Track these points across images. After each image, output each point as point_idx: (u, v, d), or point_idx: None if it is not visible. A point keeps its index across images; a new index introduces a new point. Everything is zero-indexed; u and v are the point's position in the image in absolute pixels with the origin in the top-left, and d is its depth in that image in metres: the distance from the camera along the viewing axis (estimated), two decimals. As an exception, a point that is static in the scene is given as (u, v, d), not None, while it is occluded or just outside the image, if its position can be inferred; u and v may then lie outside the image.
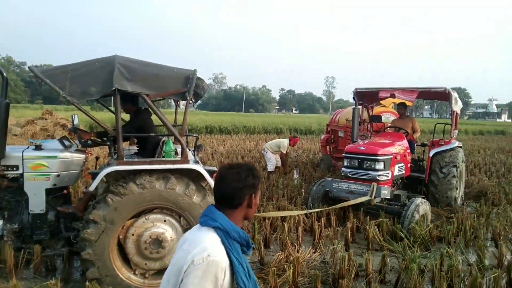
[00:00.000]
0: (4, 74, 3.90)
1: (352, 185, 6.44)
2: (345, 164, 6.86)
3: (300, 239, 5.51)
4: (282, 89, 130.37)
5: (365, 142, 7.15)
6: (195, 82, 4.03)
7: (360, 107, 8.25)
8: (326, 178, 7.00)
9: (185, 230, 4.07)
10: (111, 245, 3.78)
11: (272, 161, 10.44)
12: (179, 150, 4.86)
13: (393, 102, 11.30)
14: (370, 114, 8.97)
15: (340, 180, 6.73)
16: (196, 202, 3.92)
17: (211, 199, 4.05)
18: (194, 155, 4.70)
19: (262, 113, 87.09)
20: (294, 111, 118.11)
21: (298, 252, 4.77)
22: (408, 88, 7.26)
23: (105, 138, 4.71)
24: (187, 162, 3.98)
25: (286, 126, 29.25)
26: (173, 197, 3.85)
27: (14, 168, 4.07)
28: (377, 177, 6.39)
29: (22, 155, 4.08)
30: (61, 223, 4.32)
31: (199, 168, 4.00)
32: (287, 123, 30.89)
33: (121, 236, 3.90)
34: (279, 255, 4.72)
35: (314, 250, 5.08)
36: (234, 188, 1.64)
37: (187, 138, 5.69)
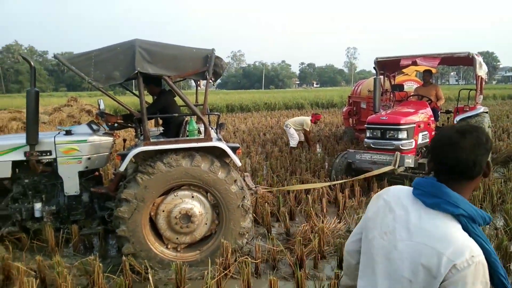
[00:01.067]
0: (32, 63, 4.05)
1: (375, 156, 6.45)
2: (368, 135, 6.86)
3: (325, 210, 5.61)
4: (302, 63, 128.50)
5: (387, 112, 7.09)
6: (213, 61, 4.09)
7: (381, 76, 8.13)
8: (348, 150, 7.03)
9: (212, 205, 4.23)
10: (143, 222, 3.99)
11: (295, 137, 10.38)
12: (202, 129, 4.99)
13: (416, 70, 11.07)
14: (392, 83, 8.84)
15: (363, 151, 6.74)
16: (221, 177, 4.06)
17: (235, 175, 4.18)
18: (216, 133, 4.82)
19: (282, 89, 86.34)
20: (315, 85, 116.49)
21: (323, 222, 4.88)
22: (430, 55, 7.10)
23: (130, 121, 4.88)
24: (210, 140, 4.09)
25: (307, 100, 29.03)
26: (199, 174, 4.00)
27: (48, 153, 4.29)
28: (401, 147, 6.37)
29: (54, 141, 4.28)
30: (95, 204, 4.56)
31: (222, 145, 4.11)
32: (308, 97, 30.64)
33: (152, 213, 4.10)
34: (304, 226, 4.84)
35: (338, 221, 5.19)
36: (476, 154, 1.34)
37: (209, 117, 5.79)
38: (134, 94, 5.81)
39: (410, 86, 10.66)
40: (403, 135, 6.42)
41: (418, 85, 9.09)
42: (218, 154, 4.23)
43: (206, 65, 4.08)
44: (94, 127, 4.82)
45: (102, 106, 5.05)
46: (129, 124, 4.95)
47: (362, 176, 6.29)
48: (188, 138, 4.24)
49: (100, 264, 3.64)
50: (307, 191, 6.31)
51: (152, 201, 4.02)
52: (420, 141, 6.74)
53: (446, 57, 7.21)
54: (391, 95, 8.54)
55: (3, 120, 15.85)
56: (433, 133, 7.24)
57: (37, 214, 4.35)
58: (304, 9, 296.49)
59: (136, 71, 3.81)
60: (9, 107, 20.51)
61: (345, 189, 6.23)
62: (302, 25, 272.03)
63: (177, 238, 4.16)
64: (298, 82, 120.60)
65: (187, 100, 4.12)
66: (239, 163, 4.20)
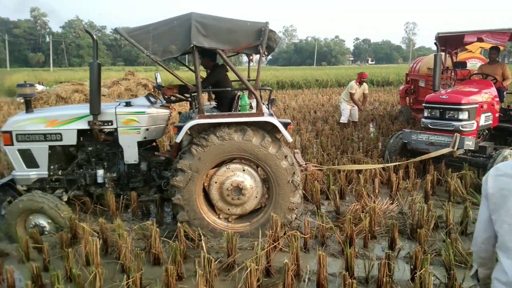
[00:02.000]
0: (94, 37, 4.23)
1: (433, 137, 6.17)
2: (426, 114, 6.55)
3: (377, 191, 5.50)
4: (357, 39, 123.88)
5: (448, 90, 6.72)
6: (267, 35, 4.05)
7: (442, 53, 7.67)
8: (404, 130, 6.77)
9: (263, 179, 4.29)
10: (197, 191, 4.14)
11: (345, 112, 10.09)
12: (254, 104, 5.01)
13: (480, 47, 10.32)
14: (454, 61, 8.32)
15: (420, 132, 6.47)
16: (272, 153, 4.09)
17: (286, 150, 4.19)
18: (268, 109, 4.83)
19: (335, 65, 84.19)
20: (370, 62, 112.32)
21: (374, 202, 4.80)
22: (498, 30, 6.55)
23: (185, 94, 5.00)
24: (262, 115, 4.11)
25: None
26: (250, 148, 4.05)
27: (109, 123, 4.52)
28: (461, 128, 6.04)
29: (115, 111, 4.49)
30: (153, 172, 4.78)
31: (274, 120, 4.12)
32: (362, 75, 29.62)
33: (205, 184, 4.23)
34: (355, 205, 4.79)
35: (391, 202, 5.08)
36: None
37: (260, 92, 5.79)
38: (189, 69, 5.93)
39: (474, 64, 9.98)
40: (464, 115, 6.07)
41: (483, 63, 8.49)
42: (269, 129, 4.25)
43: (260, 39, 4.05)
44: (152, 99, 4.99)
45: (159, 80, 5.20)
46: (184, 97, 5.08)
47: (418, 158, 6.06)
48: (240, 112, 4.28)
49: (157, 229, 3.85)
50: (359, 171, 6.20)
51: (206, 172, 4.15)
52: (482, 122, 6.35)
53: None
54: (453, 73, 8.06)
55: (67, 92, 16.79)
56: (497, 114, 6.79)
57: (99, 180, 4.64)
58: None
59: (192, 45, 3.86)
60: (72, 79, 21.69)
61: (399, 170, 6.05)
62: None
63: (228, 209, 4.29)
64: (352, 59, 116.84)
65: (240, 74, 4.14)
66: (290, 139, 4.20)
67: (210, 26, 4.01)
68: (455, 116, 6.12)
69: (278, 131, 4.21)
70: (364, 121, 11.44)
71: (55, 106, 13.97)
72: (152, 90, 5.24)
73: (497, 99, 6.73)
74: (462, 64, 7.85)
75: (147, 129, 4.58)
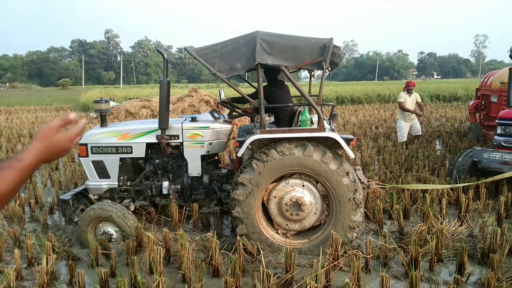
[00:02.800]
0: (165, 56, 4.48)
1: (507, 155, 5.74)
2: (499, 131, 6.13)
3: (444, 212, 5.20)
4: (422, 53, 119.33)
5: None
6: (331, 51, 4.05)
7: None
8: (475, 148, 6.37)
9: (322, 195, 4.23)
10: (256, 206, 4.18)
11: (402, 130, 9.52)
12: (314, 119, 5.00)
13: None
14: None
15: (492, 150, 6.05)
16: (333, 169, 4.03)
17: (347, 167, 4.12)
18: (329, 124, 4.79)
19: (398, 80, 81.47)
20: (435, 76, 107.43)
21: (441, 224, 4.54)
22: None
23: (245, 107, 5.11)
24: (324, 130, 4.08)
25: (426, 93, 26.90)
26: (311, 163, 4.03)
27: (176, 138, 4.73)
28: None
29: (182, 126, 4.70)
30: (214, 185, 4.91)
31: (336, 136, 4.07)
32: (427, 89, 28.36)
33: (264, 198, 4.27)
34: (420, 226, 4.56)
35: (460, 223, 4.78)
36: None
37: (321, 107, 5.74)
38: (250, 85, 6.07)
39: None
40: None
41: None
42: (330, 145, 4.21)
43: (324, 55, 4.06)
44: (216, 115, 5.16)
45: (222, 96, 5.38)
46: (241, 109, 5.20)
47: (491, 179, 5.65)
48: (301, 128, 4.28)
49: (217, 241, 3.93)
50: (425, 190, 5.91)
51: (265, 186, 4.18)
52: None
53: None
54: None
55: (135, 107, 17.84)
56: None
57: (164, 191, 4.85)
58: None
59: (256, 62, 3.96)
60: (140, 96, 23.00)
61: (468, 190, 5.68)
62: (422, 10, 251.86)
63: (286, 225, 4.28)
64: (416, 73, 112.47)
65: (303, 90, 4.16)
66: (352, 155, 4.12)
67: (275, 43, 4.10)
68: None
69: (340, 147, 4.15)
70: (430, 138, 10.92)
71: (125, 120, 14.90)
72: (216, 106, 5.40)
73: None
74: None
75: (210, 143, 4.74)
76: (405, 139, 9.67)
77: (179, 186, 4.85)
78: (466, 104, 21.90)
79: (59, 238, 4.80)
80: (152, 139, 4.75)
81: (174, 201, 4.86)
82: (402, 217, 4.92)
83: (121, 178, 4.90)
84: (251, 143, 4.18)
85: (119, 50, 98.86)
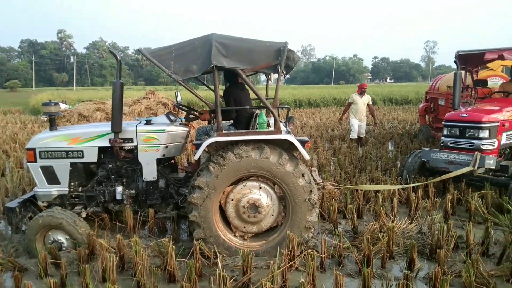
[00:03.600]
0: (118, 57, 4.35)
1: (453, 155, 6.07)
2: (445, 133, 6.47)
3: (395, 210, 5.41)
4: (375, 57, 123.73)
5: (468, 109, 6.63)
6: (286, 54, 4.11)
7: (462, 71, 7.60)
8: (423, 148, 6.69)
9: (279, 197, 4.28)
10: (214, 209, 4.15)
11: (353, 128, 10.28)
12: (271, 122, 5.05)
13: (502, 65, 10.17)
14: (475, 79, 8.21)
15: (439, 150, 6.37)
16: (289, 170, 4.08)
17: (303, 168, 4.19)
18: (285, 127, 4.85)
19: (353, 84, 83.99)
20: (388, 80, 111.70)
21: (393, 222, 4.72)
22: None
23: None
24: (280, 132, 4.13)
25: (380, 96, 27.96)
26: (268, 165, 4.06)
27: (130, 141, 4.60)
28: (481, 146, 5.94)
29: (136, 129, 4.58)
30: (171, 189, 4.82)
31: (291, 138, 4.13)
32: (381, 93, 29.47)
33: (222, 201, 4.25)
34: (373, 224, 4.72)
35: (410, 221, 4.98)
36: None
37: (278, 110, 5.83)
38: (209, 88, 6.03)
39: (495, 82, 9.83)
40: (485, 134, 5.98)
41: (505, 81, 8.36)
42: (286, 147, 4.26)
43: (279, 58, 4.11)
44: (172, 117, 5.08)
45: (179, 98, 5.31)
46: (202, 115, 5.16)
47: (438, 179, 5.94)
48: (258, 130, 4.31)
49: (173, 247, 3.86)
50: (377, 190, 6.13)
51: (223, 189, 4.17)
52: (504, 141, 6.22)
53: None
54: (473, 92, 7.95)
55: (89, 110, 17.24)
56: None
57: (118, 197, 4.71)
58: (379, 1, 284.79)
59: (212, 65, 3.95)
60: (94, 98, 22.25)
61: (418, 189, 5.95)
62: (376, 17, 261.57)
63: (244, 227, 4.29)
64: (370, 77, 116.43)
65: (259, 93, 4.19)
66: (307, 157, 4.19)
67: (230, 46, 4.10)
68: (476, 135, 6.03)
69: (296, 149, 4.21)
70: (383, 139, 11.34)
71: (77, 124, 14.34)
72: (172, 108, 5.31)
73: None
74: (483, 82, 7.75)
75: (166, 147, 4.65)
76: (355, 137, 10.16)
77: (133, 191, 4.72)
78: (416, 107, 22.93)
79: (5, 249, 4.54)
80: (105, 143, 4.60)
81: (129, 206, 4.73)
82: (356, 216, 5.08)
83: (72, 184, 4.71)
84: (208, 146, 4.16)
85: (73, 51, 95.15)
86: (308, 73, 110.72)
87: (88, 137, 4.62)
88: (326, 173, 6.92)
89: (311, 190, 4.17)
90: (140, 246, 3.89)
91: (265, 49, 4.20)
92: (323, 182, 5.25)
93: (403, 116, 18.17)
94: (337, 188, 6.08)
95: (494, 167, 5.85)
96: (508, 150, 6.70)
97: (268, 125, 4.54)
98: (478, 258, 3.75)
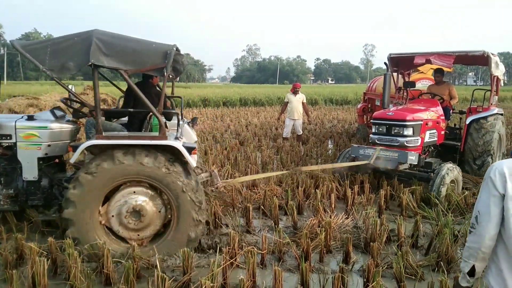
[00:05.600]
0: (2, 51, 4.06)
1: (379, 151, 6.40)
2: (374, 130, 6.83)
3: (333, 206, 5.62)
4: (318, 59, 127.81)
5: (395, 108, 7.04)
6: (172, 58, 3.93)
7: (394, 73, 8.08)
8: (352, 145, 7.00)
9: (167, 203, 4.11)
10: (94, 225, 3.97)
11: (287, 127, 10.72)
12: (172, 123, 4.89)
13: (431, 69, 10.91)
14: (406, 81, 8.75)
15: (367, 147, 6.70)
16: (164, 172, 3.93)
17: (184, 170, 4.07)
18: (191, 127, 4.81)
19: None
20: (330, 81, 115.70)
21: (330, 217, 4.90)
22: (445, 53, 7.00)
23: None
24: (165, 138, 3.99)
25: (321, 96, 28.91)
26: (142, 169, 3.90)
27: (8, 137, 4.28)
28: (406, 143, 6.31)
29: (15, 125, 4.27)
30: (55, 190, 4.51)
31: (177, 144, 3.99)
32: (322, 93, 30.52)
33: (103, 222, 4.04)
34: (311, 220, 4.86)
35: (346, 216, 5.20)
36: None
37: (181, 111, 5.78)
38: (112, 83, 5.83)
39: (425, 85, 10.52)
40: (409, 131, 6.35)
41: (432, 84, 8.99)
42: (176, 151, 4.08)
43: (165, 61, 3.91)
44: (58, 113, 4.74)
45: (72, 91, 4.98)
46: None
47: (329, 166, 6.58)
48: (142, 134, 4.18)
49: (109, 248, 3.71)
50: (316, 186, 6.32)
51: (99, 203, 3.98)
52: (427, 139, 6.64)
53: (460, 55, 7.08)
54: (404, 93, 8.46)
55: (21, 106, 16.03)
56: (442, 132, 7.14)
57: None
58: (322, 4, 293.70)
59: (90, 63, 3.75)
60: (27, 93, 20.84)
61: (354, 185, 6.23)
62: (319, 20, 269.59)
63: (138, 235, 4.11)
64: (313, 78, 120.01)
65: (143, 96, 3.98)
66: (193, 163, 4.10)
67: (113, 45, 3.89)
68: (400, 132, 6.38)
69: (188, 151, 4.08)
70: (323, 138, 11.72)
71: None
72: (66, 103, 4.95)
73: (443, 117, 7.10)
74: (411, 84, 8.25)
75: (49, 145, 4.36)
76: (288, 135, 10.63)
77: (12, 191, 4.38)
78: (355, 107, 23.98)
79: None
80: None
81: (6, 207, 4.40)
82: (296, 212, 5.20)
83: None
84: (91, 148, 3.98)
85: (3, 42, 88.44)
86: (253, 72, 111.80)
87: None
88: (269, 171, 7.00)
89: (193, 189, 4.04)
90: (73, 248, 3.71)
91: (151, 51, 4.00)
92: (215, 184, 5.26)
93: (343, 116, 18.92)
94: (279, 185, 6.21)
95: (416, 163, 6.24)
96: (433, 148, 7.20)
97: (166, 126, 4.40)
98: (408, 250, 4.01)
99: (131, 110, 4.60)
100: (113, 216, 4.02)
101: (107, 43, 3.84)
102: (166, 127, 4.86)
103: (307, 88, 42.35)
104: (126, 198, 4.03)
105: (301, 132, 10.93)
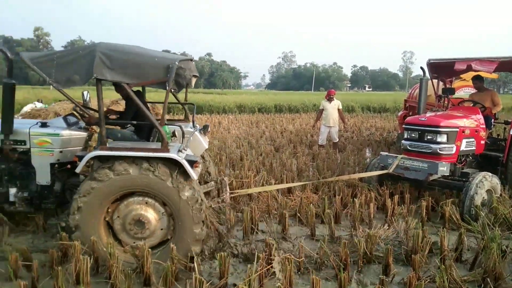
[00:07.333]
0: (9, 55, 4.19)
1: (408, 161, 6.16)
2: (406, 136, 6.60)
3: (372, 216, 5.48)
4: (355, 66, 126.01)
5: (429, 114, 6.79)
6: (174, 72, 3.92)
7: (435, 80, 7.81)
8: (381, 153, 6.79)
9: (169, 213, 4.10)
10: (100, 234, 4.04)
11: (322, 135, 10.63)
12: (187, 130, 4.99)
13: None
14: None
15: (395, 155, 6.49)
16: (170, 185, 3.94)
17: (188, 183, 4.04)
18: (203, 134, 4.94)
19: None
20: (367, 89, 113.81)
21: (369, 227, 4.77)
22: (487, 58, 6.66)
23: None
24: (167, 150, 3.98)
25: (358, 104, 28.42)
26: (147, 182, 3.92)
27: (22, 143, 4.43)
28: (439, 151, 6.02)
29: (29, 131, 4.41)
30: (68, 195, 4.63)
31: (178, 157, 3.97)
32: (359, 101, 29.99)
33: (107, 218, 4.10)
34: (350, 229, 4.76)
35: (387, 227, 5.05)
36: None
37: (193, 117, 5.88)
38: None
39: (467, 93, 10.15)
40: (443, 138, 6.05)
41: (475, 92, 8.65)
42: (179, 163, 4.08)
43: (167, 75, 3.91)
44: (71, 120, 4.88)
45: (86, 98, 5.14)
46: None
47: (343, 177, 6.38)
48: (144, 146, 4.19)
49: (149, 250, 3.79)
50: (354, 194, 6.20)
51: (104, 207, 4.02)
52: (463, 147, 6.29)
53: (505, 61, 6.66)
54: (446, 101, 8.15)
55: (66, 110, 16.64)
56: (482, 141, 6.73)
57: (11, 199, 4.51)
58: (360, 10, 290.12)
59: (94, 77, 3.83)
60: (72, 97, 21.75)
61: (394, 195, 6.05)
62: (356, 27, 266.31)
63: (134, 242, 4.11)
64: (349, 85, 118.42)
65: (145, 110, 4.04)
66: (194, 177, 4.05)
67: (116, 59, 3.93)
68: (434, 139, 6.11)
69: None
70: (361, 146, 11.51)
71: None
72: (74, 110, 5.07)
73: (484, 126, 6.70)
74: (450, 90, 7.94)
75: (61, 151, 4.47)
76: (324, 143, 10.46)
77: (26, 194, 4.54)
78: (394, 115, 23.41)
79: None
80: None
81: (22, 209, 4.56)
82: (333, 221, 5.11)
83: None
84: (97, 158, 4.03)
85: (50, 49, 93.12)
86: (289, 79, 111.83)
87: None
88: (305, 178, 6.94)
89: (196, 202, 4.03)
90: (114, 248, 3.81)
91: (154, 65, 4.00)
92: (222, 195, 5.25)
93: (381, 124, 18.50)
94: (315, 193, 6.13)
95: (448, 174, 5.97)
96: (471, 157, 6.76)
97: (174, 135, 4.40)
98: (451, 264, 3.83)
99: (134, 122, 4.70)
100: (118, 216, 4.08)
101: (110, 57, 3.90)
102: (175, 135, 4.96)
103: (344, 95, 41.83)
104: (130, 207, 4.06)
105: (337, 140, 10.79)
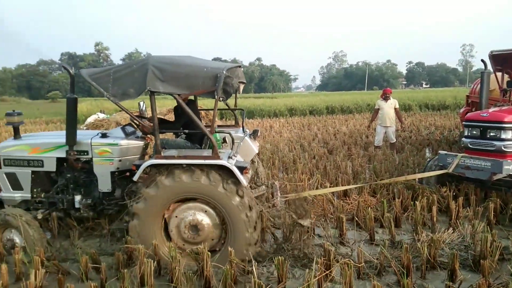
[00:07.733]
0: (71, 72, 4.47)
1: (469, 160, 5.79)
2: (466, 133, 6.22)
3: (435, 219, 5.23)
4: (410, 62, 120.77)
5: (492, 109, 6.33)
6: (222, 82, 4.04)
7: (499, 73, 7.29)
8: (440, 152, 6.43)
9: (222, 219, 4.21)
10: (157, 233, 4.26)
11: (378, 135, 10.26)
12: (236, 135, 5.12)
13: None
14: None
15: (456, 154, 6.12)
16: (221, 191, 4.05)
17: (240, 188, 4.13)
18: (254, 139, 5.07)
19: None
20: (424, 85, 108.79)
21: (432, 231, 4.56)
22: None
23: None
24: (218, 158, 4.10)
25: (415, 102, 27.23)
26: (199, 187, 4.07)
27: (85, 153, 4.70)
28: (503, 148, 5.62)
29: (91, 142, 4.68)
30: (128, 201, 4.72)
31: (228, 164, 4.07)
32: (416, 98, 28.72)
33: (167, 216, 4.30)
34: (411, 233, 4.58)
35: (451, 230, 4.80)
36: None
37: (243, 122, 6.04)
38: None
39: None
40: (508, 135, 5.65)
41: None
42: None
43: (216, 85, 4.05)
44: (129, 130, 5.12)
45: (142, 108, 5.41)
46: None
47: (399, 179, 6.09)
48: (197, 154, 4.36)
49: (209, 253, 3.88)
50: (415, 198, 5.95)
51: (162, 212, 4.23)
52: None
53: None
54: (511, 95, 7.59)
55: (126, 120, 17.67)
56: None
57: (76, 205, 4.83)
58: (411, 5, 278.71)
59: (147, 89, 4.00)
60: (130, 108, 22.75)
61: (458, 197, 5.73)
62: (409, 21, 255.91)
63: (184, 244, 4.30)
64: (405, 82, 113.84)
65: (195, 118, 4.19)
66: (244, 183, 4.13)
67: (167, 71, 4.10)
68: (497, 136, 5.73)
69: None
70: (420, 146, 11.03)
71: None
72: (131, 121, 5.28)
73: None
74: None
75: (120, 160, 4.69)
76: (380, 144, 10.12)
77: (90, 201, 4.82)
78: (454, 112, 22.19)
79: (47, 253, 4.72)
80: (62, 154, 4.70)
81: (86, 215, 4.86)
82: (393, 225, 4.94)
83: (35, 190, 4.88)
84: (151, 166, 4.19)
85: (109, 62, 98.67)
86: (340, 79, 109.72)
87: (46, 148, 4.77)
88: (361, 181, 6.76)
89: (247, 207, 4.12)
90: (176, 251, 3.95)
91: (203, 75, 4.14)
92: (272, 199, 5.32)
93: (441, 122, 17.61)
94: (373, 196, 5.96)
95: None
96: None
97: (224, 141, 4.43)
98: (526, 271, 3.57)
99: (187, 131, 4.90)
100: (176, 216, 4.26)
101: (162, 70, 4.10)
102: (225, 141, 5.14)
103: (399, 93, 40.29)
104: (185, 213, 4.25)
105: (395, 140, 10.41)
